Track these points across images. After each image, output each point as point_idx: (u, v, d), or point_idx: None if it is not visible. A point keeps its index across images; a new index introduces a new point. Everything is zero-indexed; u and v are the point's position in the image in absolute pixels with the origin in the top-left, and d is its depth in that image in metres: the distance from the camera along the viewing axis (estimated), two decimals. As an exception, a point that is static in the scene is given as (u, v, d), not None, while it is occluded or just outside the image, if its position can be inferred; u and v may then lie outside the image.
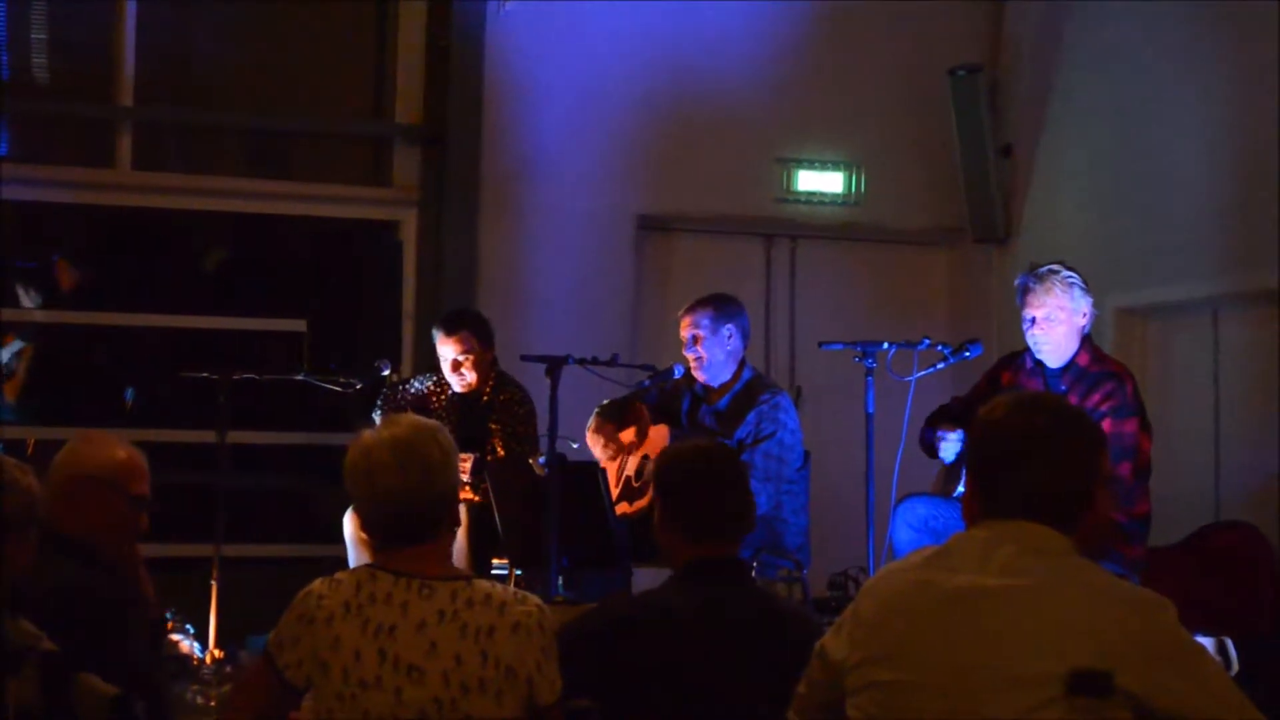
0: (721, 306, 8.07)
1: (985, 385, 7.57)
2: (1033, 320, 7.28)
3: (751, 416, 7.87)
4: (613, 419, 8.18)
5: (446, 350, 8.23)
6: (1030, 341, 7.32)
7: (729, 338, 8.02)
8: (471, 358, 8.20)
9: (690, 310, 8.07)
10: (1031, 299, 7.28)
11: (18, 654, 4.01)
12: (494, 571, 7.87)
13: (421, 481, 4.06)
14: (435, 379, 8.42)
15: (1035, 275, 7.30)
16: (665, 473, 4.50)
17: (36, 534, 4.33)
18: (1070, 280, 7.27)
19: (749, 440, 7.78)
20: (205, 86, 10.22)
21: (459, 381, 8.25)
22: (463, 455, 7.69)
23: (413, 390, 8.49)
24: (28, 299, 9.60)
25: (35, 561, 4.32)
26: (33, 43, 9.73)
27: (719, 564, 4.37)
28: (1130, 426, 7.12)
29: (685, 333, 8.05)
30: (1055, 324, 7.24)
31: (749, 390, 8.01)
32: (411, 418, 4.20)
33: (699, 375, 8.06)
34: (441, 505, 4.11)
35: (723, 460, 4.54)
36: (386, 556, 4.12)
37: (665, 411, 8.17)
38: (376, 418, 8.33)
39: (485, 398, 8.30)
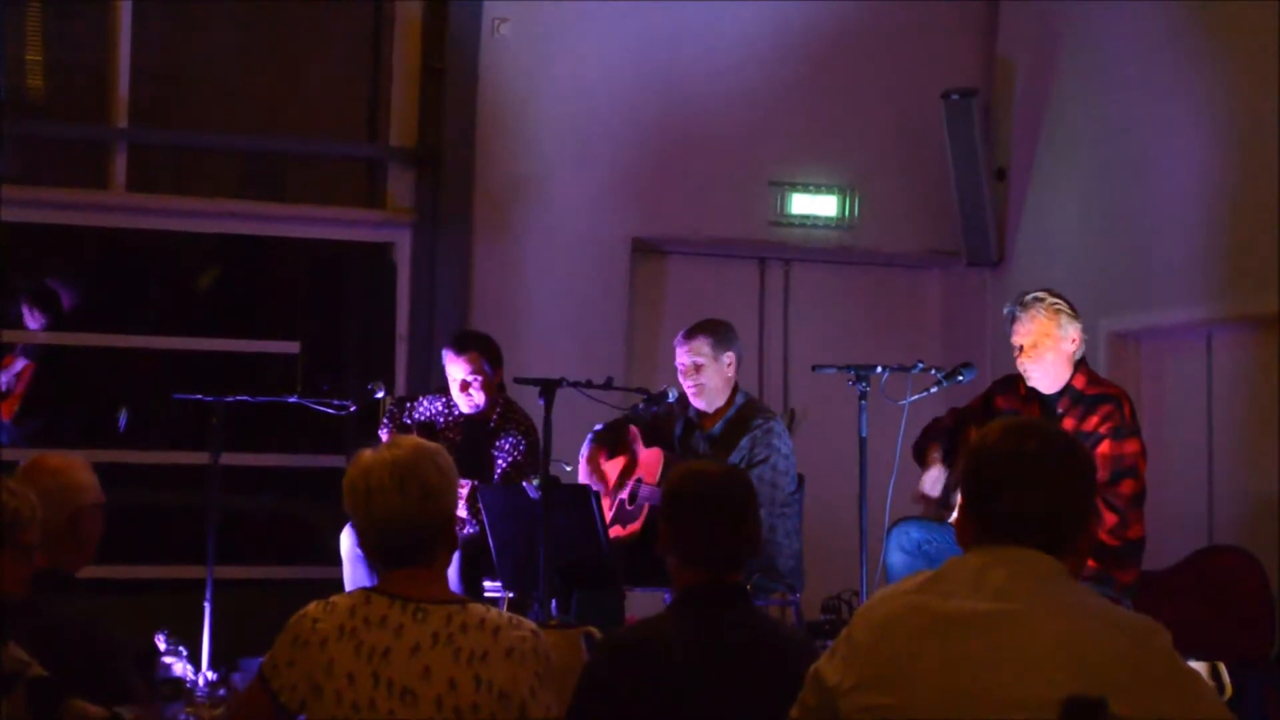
0: (721, 333, 8.06)
1: (980, 406, 7.58)
2: (1020, 348, 7.29)
3: (745, 442, 7.87)
4: (607, 443, 8.18)
5: (455, 370, 8.22)
6: (1020, 369, 7.34)
7: (728, 365, 8.03)
8: (480, 378, 8.20)
9: (690, 338, 8.04)
10: (1018, 327, 7.30)
11: (9, 678, 4.01)
12: (486, 595, 7.86)
13: (420, 504, 4.06)
14: (446, 399, 8.41)
15: (1020, 303, 7.32)
16: (668, 496, 4.48)
17: (30, 557, 4.33)
18: (1056, 306, 7.27)
19: (742, 465, 7.76)
20: (200, 108, 10.21)
21: (467, 402, 8.24)
22: (460, 482, 7.68)
23: (420, 410, 8.47)
24: (32, 320, 9.60)
25: (30, 593, 4.32)
26: (27, 64, 9.74)
27: (717, 590, 4.35)
28: (1131, 446, 7.13)
29: (685, 360, 8.02)
30: (1042, 350, 7.25)
31: (742, 416, 8.00)
32: (413, 439, 4.20)
33: (697, 403, 8.04)
34: (439, 528, 4.11)
35: (728, 486, 4.48)
36: (382, 579, 4.12)
37: (658, 434, 8.16)
38: (383, 435, 8.33)
39: (492, 424, 8.29)
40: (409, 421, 8.40)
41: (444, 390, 8.44)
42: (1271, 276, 8.56)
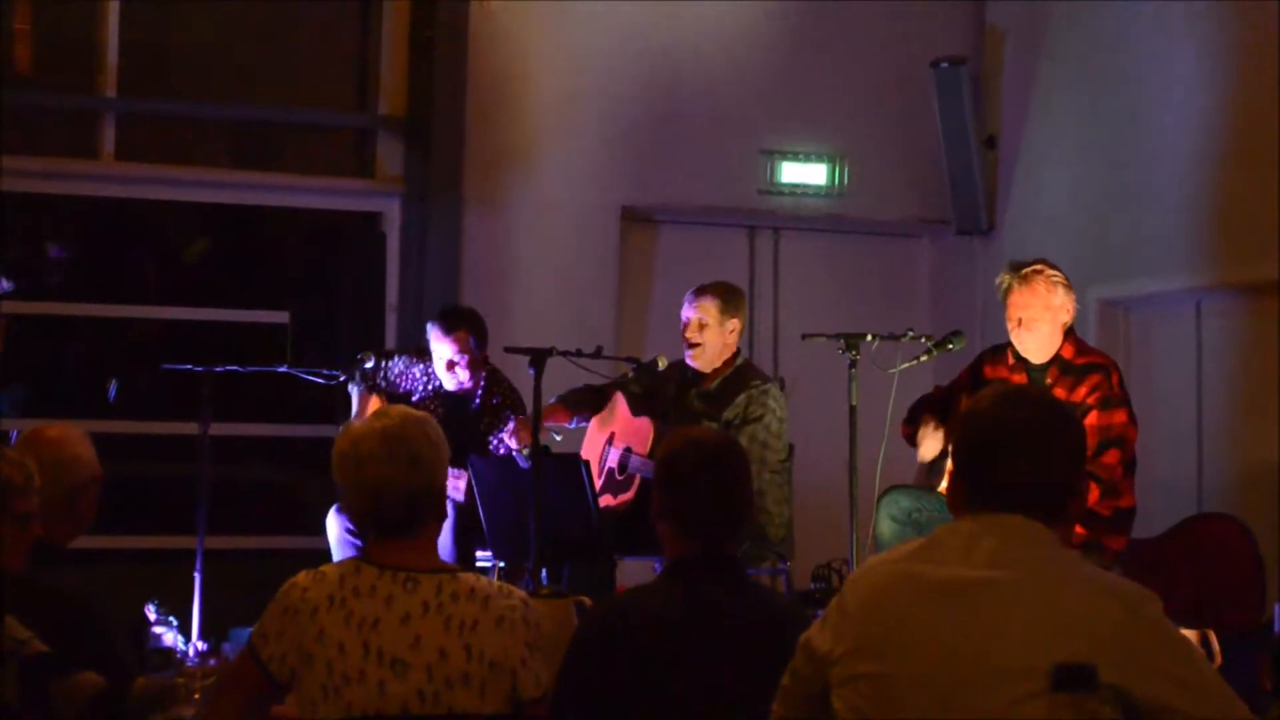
0: (729, 299, 8.03)
1: (967, 377, 7.57)
2: (1019, 320, 7.27)
3: (741, 399, 7.88)
4: (577, 405, 8.21)
5: (442, 349, 8.14)
6: (1014, 340, 7.32)
7: (731, 331, 8.02)
8: (467, 357, 8.14)
9: (699, 296, 8.02)
10: (1016, 298, 7.26)
11: (2, 655, 4.00)
12: (479, 564, 7.86)
13: (409, 473, 4.06)
14: (424, 366, 8.34)
15: (1019, 275, 7.28)
16: (663, 464, 4.47)
17: (27, 527, 4.32)
18: (1054, 278, 7.26)
19: (737, 421, 7.78)
20: (189, 77, 10.18)
21: (452, 379, 8.18)
22: (457, 472, 7.67)
23: (394, 373, 8.38)
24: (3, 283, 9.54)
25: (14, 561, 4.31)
26: (15, 33, 9.71)
27: (709, 561, 4.34)
28: (1120, 417, 7.13)
29: (690, 315, 8.01)
30: (1041, 323, 7.24)
31: (740, 375, 8.01)
32: (402, 409, 4.20)
33: (692, 362, 8.04)
34: (428, 498, 4.11)
35: (723, 454, 4.45)
36: (372, 549, 4.12)
37: (652, 397, 8.15)
38: (352, 391, 8.26)
39: (479, 397, 8.25)
40: (381, 384, 8.34)
41: (422, 353, 8.38)
42: (1261, 244, 8.56)
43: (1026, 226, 10.35)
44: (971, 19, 10.84)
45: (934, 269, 11.11)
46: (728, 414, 7.84)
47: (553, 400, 8.13)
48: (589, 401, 8.27)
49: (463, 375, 8.17)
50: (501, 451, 8.12)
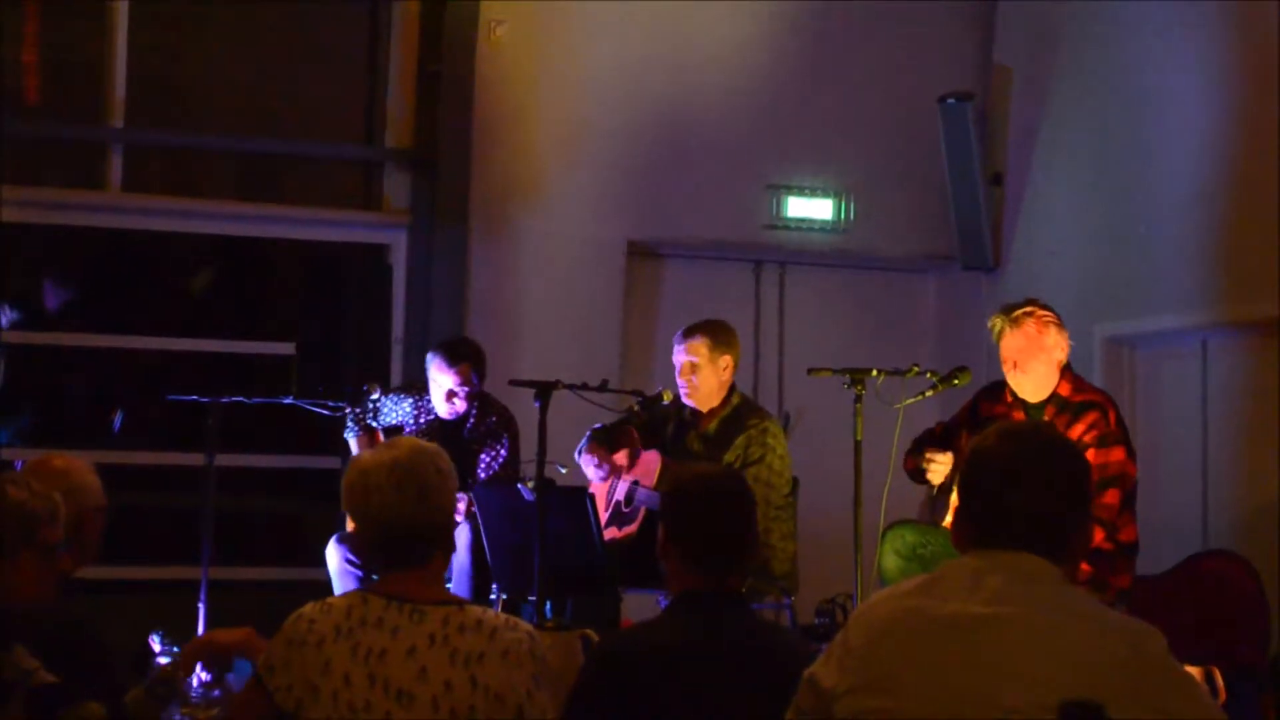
0: (720, 336, 8.03)
1: (966, 414, 7.56)
2: (1013, 363, 7.26)
3: (740, 440, 7.86)
4: (605, 442, 8.16)
5: (444, 379, 8.15)
6: (1010, 382, 7.30)
7: (724, 369, 8.01)
8: (467, 389, 8.15)
9: (688, 337, 8.02)
10: (1008, 341, 7.24)
11: (8, 686, 4.00)
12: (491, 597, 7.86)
13: (417, 504, 4.07)
14: (415, 399, 8.36)
15: (1010, 318, 7.25)
16: (670, 498, 4.48)
17: (53, 558, 4.32)
18: (1045, 319, 7.23)
19: (737, 464, 7.76)
20: (196, 109, 10.20)
21: (448, 409, 8.20)
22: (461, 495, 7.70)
23: (385, 411, 8.38)
24: (3, 317, 9.55)
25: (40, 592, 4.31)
26: (23, 65, 9.73)
27: (714, 595, 4.34)
28: (1117, 455, 7.11)
29: (681, 359, 8.01)
30: (1034, 365, 7.22)
31: (738, 415, 8.00)
32: (412, 440, 4.21)
33: (690, 402, 8.04)
34: (436, 529, 4.11)
35: (730, 489, 4.47)
36: (379, 580, 4.12)
37: (652, 435, 8.15)
38: (349, 439, 8.31)
39: (470, 422, 8.26)
40: (374, 424, 8.36)
41: (410, 389, 8.41)
42: (1267, 282, 8.57)
43: (1032, 263, 10.36)
44: (979, 56, 10.86)
45: (939, 305, 11.11)
46: (727, 457, 7.82)
47: (589, 444, 8.11)
48: (614, 438, 8.24)
49: (460, 405, 8.19)
50: (480, 471, 8.14)
